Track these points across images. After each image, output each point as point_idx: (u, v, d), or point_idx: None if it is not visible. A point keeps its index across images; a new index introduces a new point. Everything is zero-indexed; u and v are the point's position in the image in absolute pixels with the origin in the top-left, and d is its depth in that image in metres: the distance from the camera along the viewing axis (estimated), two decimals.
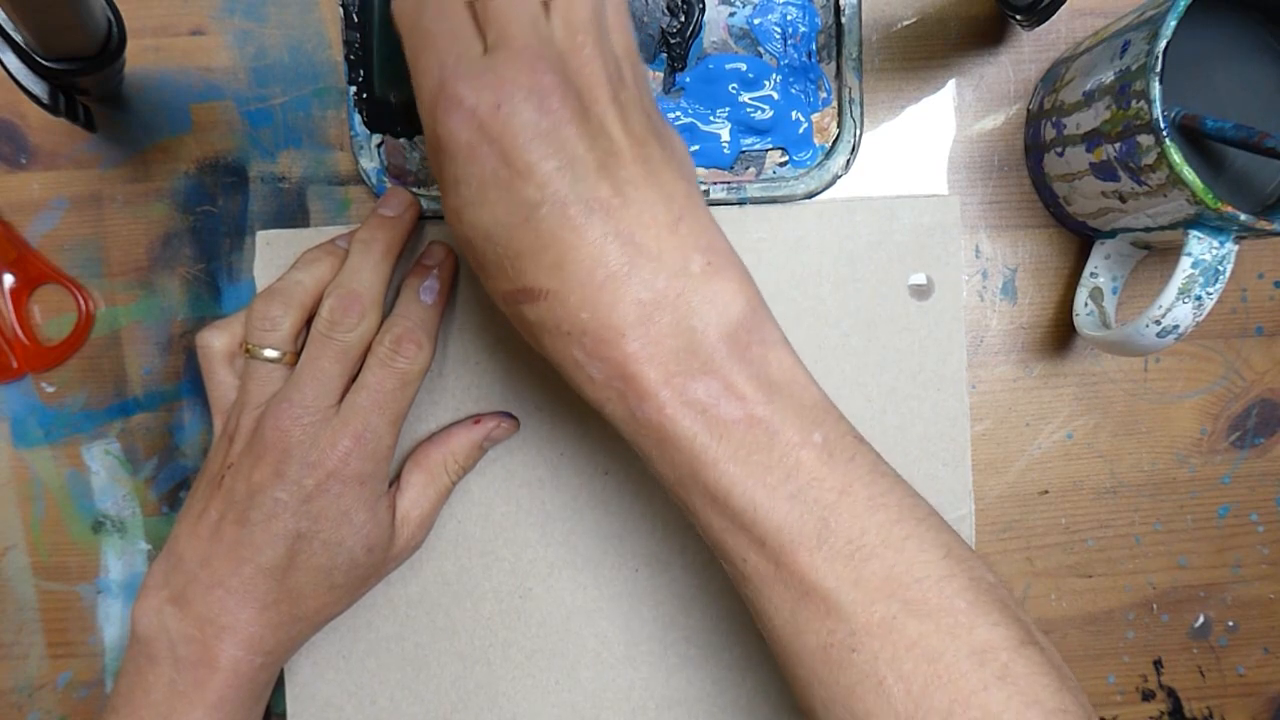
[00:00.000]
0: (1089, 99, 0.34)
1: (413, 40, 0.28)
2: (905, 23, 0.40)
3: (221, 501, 0.33)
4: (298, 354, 0.35)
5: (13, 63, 0.32)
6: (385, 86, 0.32)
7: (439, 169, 0.28)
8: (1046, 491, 0.41)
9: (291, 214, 0.39)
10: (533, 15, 0.27)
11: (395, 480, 0.37)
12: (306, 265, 0.35)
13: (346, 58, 0.38)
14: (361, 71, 0.35)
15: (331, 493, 0.33)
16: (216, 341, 0.36)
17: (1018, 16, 0.36)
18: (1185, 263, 0.32)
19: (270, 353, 0.34)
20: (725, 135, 0.39)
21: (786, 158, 0.39)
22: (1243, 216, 0.31)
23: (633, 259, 0.26)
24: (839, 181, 0.39)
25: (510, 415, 0.38)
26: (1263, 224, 0.31)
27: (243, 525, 0.33)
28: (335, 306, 0.34)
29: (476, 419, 0.38)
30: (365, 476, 0.33)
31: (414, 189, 0.39)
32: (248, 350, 0.34)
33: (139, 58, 0.38)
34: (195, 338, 0.36)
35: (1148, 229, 0.35)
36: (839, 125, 0.39)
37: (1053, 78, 0.38)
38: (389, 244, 0.35)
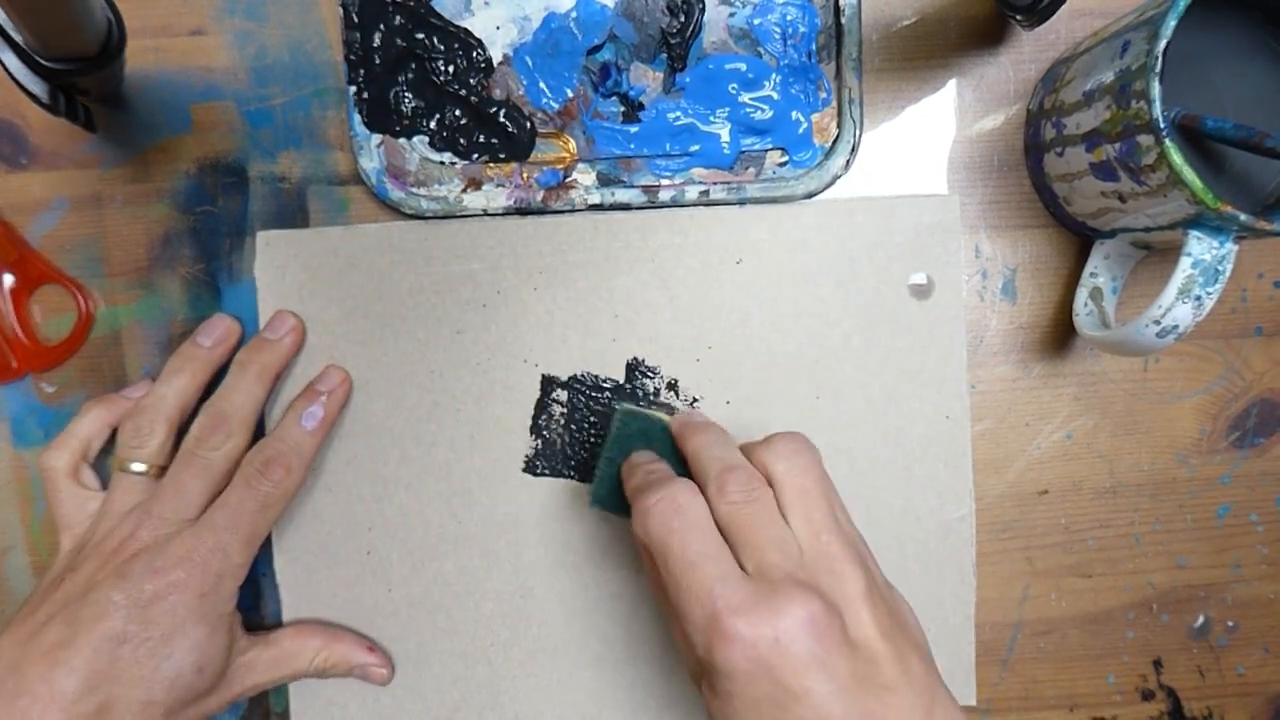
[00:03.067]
0: (1089, 99, 0.34)
1: (671, 557, 0.29)
2: (905, 23, 0.40)
3: (54, 603, 0.33)
4: (164, 467, 0.36)
5: (13, 63, 0.32)
6: (600, 504, 0.35)
7: (704, 677, 0.29)
8: (1046, 491, 0.41)
9: (291, 214, 0.39)
10: (780, 533, 0.30)
11: (265, 629, 0.38)
12: (169, 378, 0.36)
13: (346, 58, 0.38)
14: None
15: (169, 601, 0.33)
16: (58, 461, 0.36)
17: (1018, 17, 0.36)
18: (1185, 263, 0.32)
19: (138, 466, 0.35)
20: (725, 135, 0.39)
21: (786, 158, 0.39)
22: (1242, 216, 0.31)
23: None
24: (839, 181, 0.39)
25: (391, 669, 0.39)
26: (1262, 224, 0.31)
27: (69, 625, 0.32)
28: (204, 424, 0.35)
29: (371, 646, 0.38)
30: (207, 591, 0.33)
31: (413, 190, 0.39)
32: (117, 464, 0.36)
33: (139, 58, 0.38)
34: (37, 460, 0.37)
35: (1147, 229, 0.35)
36: (839, 125, 0.39)
37: (1053, 78, 0.38)
38: (264, 366, 0.37)
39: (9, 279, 0.39)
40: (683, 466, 0.33)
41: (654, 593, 0.34)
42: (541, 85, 0.39)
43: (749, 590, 0.28)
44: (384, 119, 0.38)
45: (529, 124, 0.39)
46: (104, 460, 0.38)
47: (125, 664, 0.32)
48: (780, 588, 0.28)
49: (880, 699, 0.28)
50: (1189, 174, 0.30)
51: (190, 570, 0.33)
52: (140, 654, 0.32)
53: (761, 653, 0.27)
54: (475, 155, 0.39)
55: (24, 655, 0.32)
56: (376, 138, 0.38)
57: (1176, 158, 0.30)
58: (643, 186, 0.39)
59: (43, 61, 0.32)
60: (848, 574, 0.29)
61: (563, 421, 0.39)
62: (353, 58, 0.38)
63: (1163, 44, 0.30)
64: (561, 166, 0.39)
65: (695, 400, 0.39)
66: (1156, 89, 0.30)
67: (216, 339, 0.37)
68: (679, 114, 0.39)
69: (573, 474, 0.39)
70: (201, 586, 0.33)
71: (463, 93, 0.38)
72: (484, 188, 0.39)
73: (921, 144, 0.40)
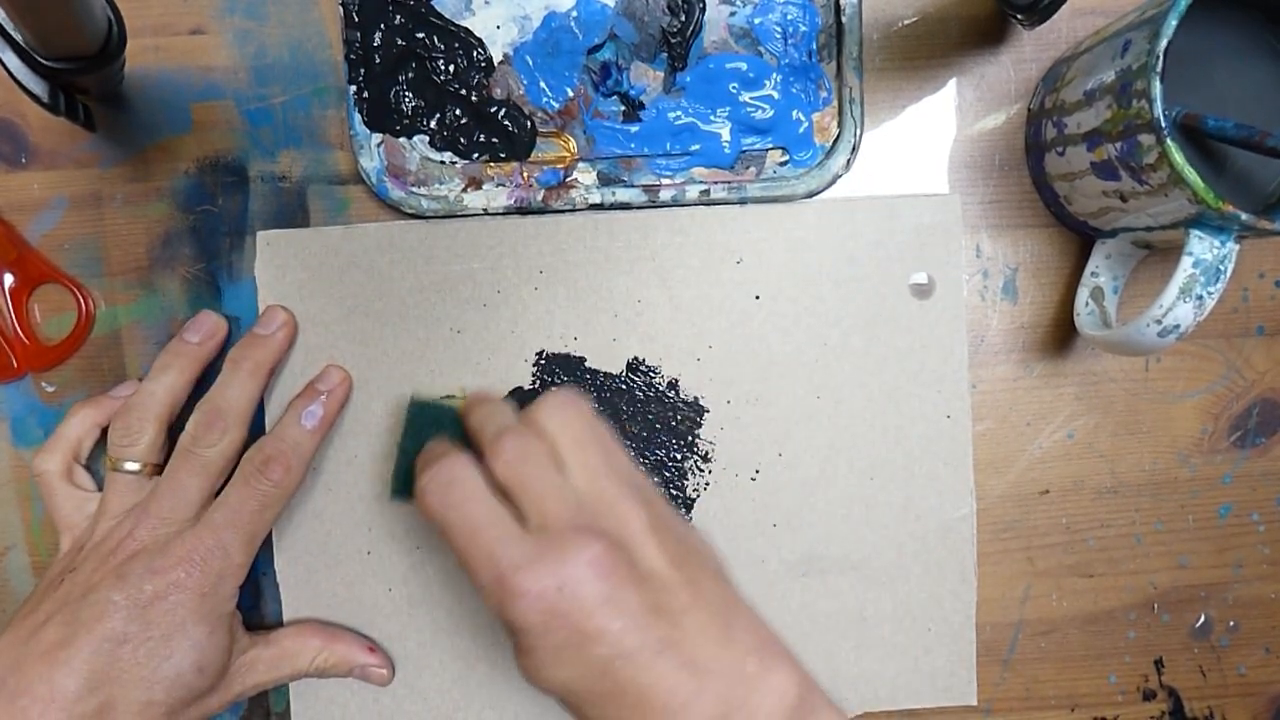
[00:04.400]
0: (1090, 98, 0.34)
1: (451, 531, 0.30)
2: (906, 22, 0.40)
3: (54, 603, 0.33)
4: (159, 465, 0.36)
5: (13, 62, 0.32)
6: (400, 496, 0.35)
7: (514, 637, 0.30)
8: (1047, 491, 0.41)
9: (292, 213, 0.39)
10: (557, 483, 0.30)
11: (265, 629, 0.38)
12: (157, 375, 0.36)
13: (347, 57, 0.38)
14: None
15: (169, 601, 0.33)
16: (51, 464, 0.36)
17: (1018, 16, 0.36)
18: (1186, 262, 0.32)
19: (131, 465, 0.35)
20: (726, 135, 0.39)
21: (787, 157, 0.39)
22: (1244, 216, 0.31)
23: (700, 681, 0.29)
24: (839, 181, 0.39)
25: (391, 669, 0.39)
26: (1264, 223, 0.31)
27: (69, 625, 0.32)
28: (199, 421, 0.35)
29: (371, 646, 0.38)
30: (208, 591, 0.33)
31: (413, 189, 0.39)
32: (110, 464, 0.35)
33: (139, 57, 0.38)
34: (30, 464, 0.37)
35: (1149, 228, 0.35)
36: (839, 125, 0.39)
37: (1053, 77, 0.38)
38: (258, 362, 0.36)
39: (9, 278, 0.39)
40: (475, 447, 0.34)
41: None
42: (542, 84, 0.39)
43: (530, 545, 0.29)
44: (384, 118, 0.38)
45: (529, 123, 0.39)
46: (99, 460, 0.38)
47: (125, 664, 0.32)
48: (561, 536, 0.29)
49: (675, 624, 0.29)
50: (1190, 173, 0.30)
51: (190, 570, 0.33)
52: (140, 654, 0.32)
53: (551, 602, 0.28)
54: (475, 155, 0.39)
55: (24, 655, 0.32)
56: (377, 137, 0.38)
57: (1178, 157, 0.30)
58: (643, 186, 0.39)
59: (43, 60, 0.31)
60: (628, 512, 0.30)
61: None
62: (353, 57, 0.38)
63: (1164, 43, 0.30)
64: (562, 166, 0.39)
65: (697, 398, 0.39)
66: (1158, 88, 0.30)
67: (204, 335, 0.37)
68: (679, 113, 0.39)
69: None
70: (202, 586, 0.33)
71: (463, 92, 0.38)
72: (484, 187, 0.39)
73: (922, 143, 0.40)
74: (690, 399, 0.39)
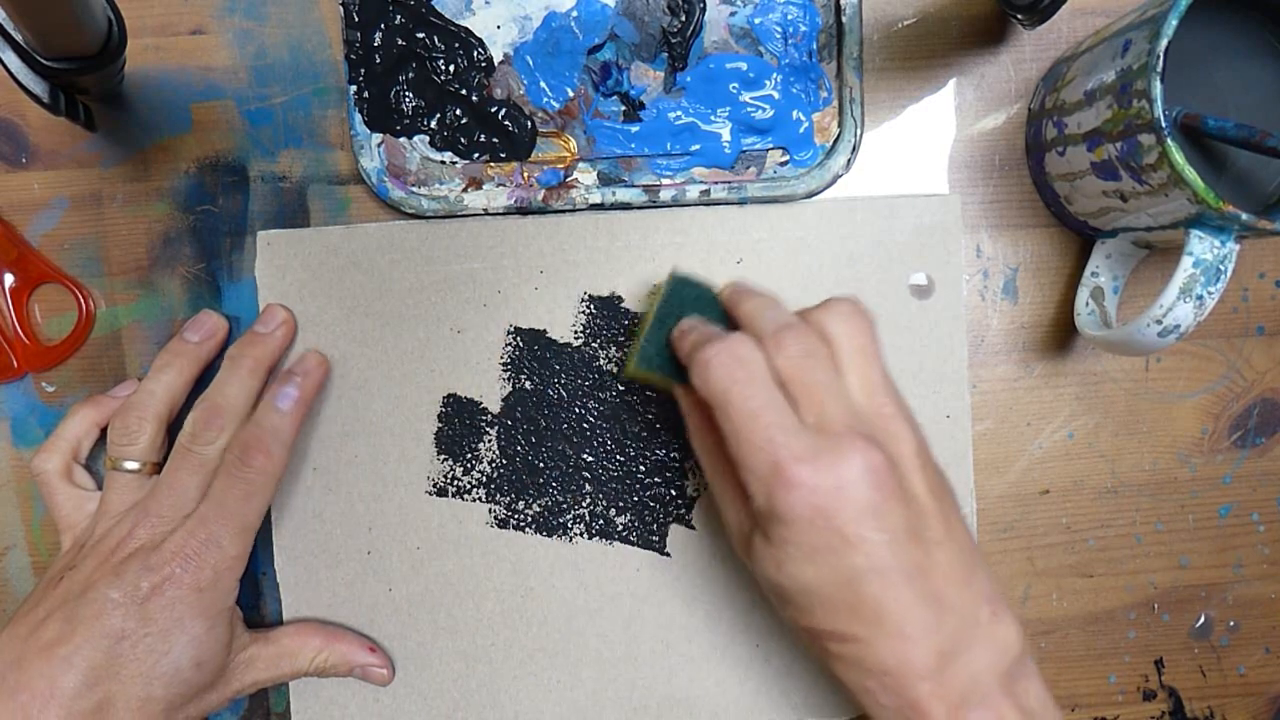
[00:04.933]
0: (1090, 98, 0.34)
1: (732, 409, 0.30)
2: (906, 22, 0.40)
3: (53, 600, 0.33)
4: (159, 464, 0.36)
5: (13, 62, 0.32)
6: (646, 364, 0.34)
7: (762, 525, 0.30)
8: (1048, 491, 0.41)
9: (292, 213, 0.39)
10: (837, 390, 0.30)
11: (266, 627, 0.38)
12: (156, 374, 0.36)
13: (347, 57, 0.38)
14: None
15: (166, 597, 0.33)
16: (50, 464, 0.37)
17: (1019, 16, 0.36)
18: (1186, 262, 0.32)
19: (130, 464, 0.35)
20: (726, 135, 0.39)
21: (787, 157, 0.39)
22: (1244, 216, 0.31)
23: (939, 615, 0.29)
24: (840, 181, 0.39)
25: (391, 669, 0.38)
26: (1264, 223, 0.31)
27: (69, 622, 0.32)
28: (198, 419, 0.35)
29: (371, 646, 0.38)
30: (205, 586, 0.33)
31: (413, 189, 0.39)
32: (110, 463, 0.35)
33: (139, 57, 0.38)
34: (30, 464, 0.37)
35: (1149, 228, 0.35)
36: (840, 125, 0.39)
37: (1054, 77, 0.38)
38: (257, 360, 0.36)
39: (9, 278, 0.39)
40: None
41: (700, 452, 0.34)
42: (542, 84, 0.39)
43: (811, 439, 0.29)
44: (384, 118, 0.38)
45: (529, 123, 0.39)
46: (99, 459, 0.38)
47: (124, 660, 0.32)
48: (842, 438, 0.29)
49: (929, 553, 0.29)
50: (1190, 173, 0.30)
51: (185, 565, 0.33)
52: (139, 650, 0.32)
53: (823, 499, 0.28)
54: (476, 154, 0.39)
55: (24, 651, 0.32)
56: (377, 137, 0.38)
57: (1178, 157, 0.30)
58: (643, 186, 0.39)
59: (43, 60, 0.32)
60: (902, 432, 0.30)
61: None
62: (353, 57, 0.38)
63: (1164, 43, 0.30)
64: (562, 166, 0.39)
65: None
66: (1158, 88, 0.30)
67: (204, 334, 0.37)
68: (680, 113, 0.39)
69: None
70: (198, 581, 0.33)
71: (463, 92, 0.38)
72: (485, 187, 0.39)
73: (922, 143, 0.40)
74: None
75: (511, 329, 0.39)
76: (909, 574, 0.29)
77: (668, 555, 0.39)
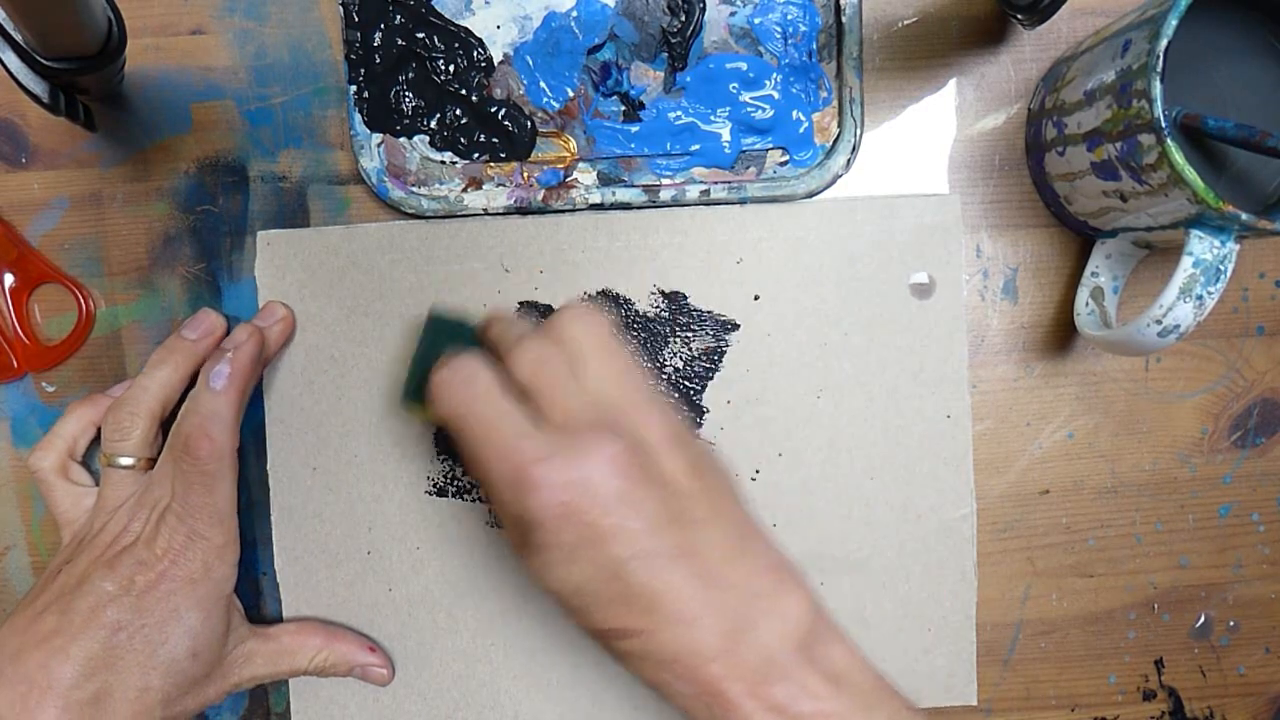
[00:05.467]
0: (1090, 98, 0.34)
1: (467, 426, 0.30)
2: (906, 22, 0.40)
3: (51, 594, 0.33)
4: (153, 459, 0.36)
5: (13, 62, 0.32)
6: (409, 400, 0.35)
7: (520, 536, 0.30)
8: (1047, 491, 0.41)
9: (292, 213, 0.39)
10: (575, 389, 0.30)
11: (266, 624, 0.38)
12: (151, 370, 0.36)
13: (347, 57, 0.38)
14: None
15: (161, 590, 0.33)
16: (47, 461, 0.37)
17: (1019, 16, 0.36)
18: (1186, 262, 0.32)
19: (124, 460, 0.35)
20: (726, 135, 0.39)
21: (787, 157, 0.39)
22: (1244, 216, 0.31)
23: (714, 594, 0.29)
24: (840, 181, 0.39)
25: (391, 669, 0.39)
26: (1264, 223, 0.31)
27: (65, 614, 0.32)
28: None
29: (371, 646, 0.38)
30: (198, 577, 0.33)
31: (413, 189, 0.39)
32: (105, 459, 0.35)
33: (139, 57, 0.38)
34: (27, 462, 0.37)
35: (1149, 228, 0.35)
36: (840, 124, 0.39)
37: (1054, 77, 0.38)
38: (249, 357, 0.36)
39: (9, 278, 0.39)
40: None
41: (472, 476, 0.34)
42: (542, 84, 0.39)
43: (550, 440, 0.29)
44: (384, 118, 0.38)
45: (529, 123, 0.39)
46: (96, 456, 0.38)
47: (121, 651, 0.32)
48: (581, 433, 0.29)
49: (692, 534, 0.29)
50: (1190, 173, 0.30)
51: (175, 560, 0.33)
52: (136, 641, 0.32)
53: (570, 496, 0.28)
54: (476, 154, 0.39)
55: (23, 644, 0.32)
56: (377, 137, 0.38)
57: (1178, 157, 0.30)
58: (643, 186, 0.39)
59: (43, 60, 0.32)
60: (647, 418, 0.30)
61: None
62: (353, 57, 0.38)
63: (1164, 43, 0.30)
64: (562, 166, 0.39)
65: (697, 399, 0.39)
66: (1158, 88, 0.30)
67: (202, 332, 0.37)
68: (680, 113, 0.39)
69: None
70: (190, 574, 0.33)
71: (463, 92, 0.38)
72: (484, 187, 0.39)
73: (922, 143, 0.40)
74: (690, 399, 0.39)
75: None
76: (673, 556, 0.28)
77: None
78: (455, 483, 0.39)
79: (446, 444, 0.39)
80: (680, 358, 0.39)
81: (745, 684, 0.28)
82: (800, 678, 0.28)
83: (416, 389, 0.34)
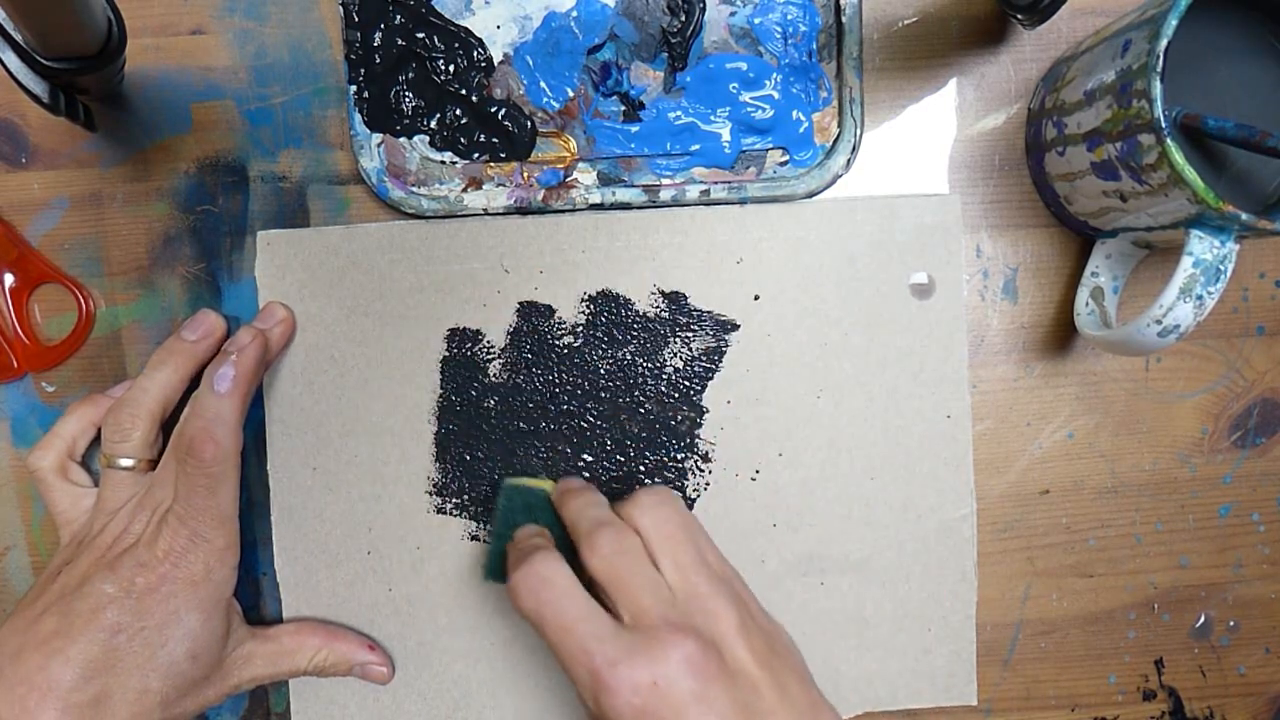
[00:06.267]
0: (1090, 98, 0.34)
1: (545, 626, 0.31)
2: (906, 22, 0.40)
3: (51, 595, 0.33)
4: (153, 461, 0.36)
5: (13, 62, 0.32)
6: (494, 577, 0.36)
7: None
8: (1048, 491, 0.41)
9: (292, 213, 0.39)
10: (650, 579, 0.31)
11: (266, 624, 0.38)
12: (151, 371, 0.36)
13: (347, 57, 0.38)
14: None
15: (161, 592, 0.33)
16: (46, 461, 0.36)
17: (1019, 16, 0.36)
18: (1186, 262, 0.32)
19: (124, 461, 0.35)
20: (726, 135, 0.39)
21: (787, 157, 0.39)
22: (1244, 216, 0.31)
23: None
24: (840, 181, 0.39)
25: (391, 667, 0.39)
26: (1264, 223, 0.31)
27: (66, 616, 0.32)
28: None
29: (371, 645, 0.38)
30: (199, 579, 0.33)
31: (413, 189, 0.39)
32: (105, 460, 0.35)
33: (139, 57, 0.38)
34: (26, 461, 0.37)
35: (1149, 228, 0.35)
36: (840, 124, 0.39)
37: (1054, 77, 0.38)
38: (253, 360, 0.35)
39: (9, 278, 0.39)
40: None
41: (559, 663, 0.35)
42: (542, 84, 0.39)
43: (624, 641, 0.30)
44: (384, 118, 0.38)
45: (529, 123, 0.39)
46: (95, 457, 0.38)
47: (121, 653, 0.32)
48: (655, 633, 0.30)
49: None
50: (1190, 173, 0.30)
51: (176, 563, 0.33)
52: (135, 644, 0.32)
53: (645, 698, 0.29)
54: (476, 154, 0.39)
55: (23, 645, 0.32)
56: (377, 137, 0.38)
57: (1178, 157, 0.30)
58: (643, 186, 0.39)
59: (43, 60, 0.31)
60: (720, 610, 0.31)
61: None
62: (353, 57, 0.38)
63: (1164, 43, 0.30)
64: (562, 166, 0.39)
65: (697, 399, 0.39)
66: (1158, 88, 0.30)
67: (202, 333, 0.37)
68: (680, 113, 0.39)
69: None
70: (191, 575, 0.33)
71: (463, 92, 0.38)
72: (484, 187, 0.39)
73: (922, 143, 0.40)
74: (690, 399, 0.39)
75: (511, 329, 0.39)
76: None
77: None
78: (454, 483, 0.39)
79: (446, 445, 0.39)
80: (680, 358, 0.39)
81: None
82: None
83: (498, 564, 0.35)
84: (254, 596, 0.40)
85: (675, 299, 0.39)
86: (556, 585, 0.31)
